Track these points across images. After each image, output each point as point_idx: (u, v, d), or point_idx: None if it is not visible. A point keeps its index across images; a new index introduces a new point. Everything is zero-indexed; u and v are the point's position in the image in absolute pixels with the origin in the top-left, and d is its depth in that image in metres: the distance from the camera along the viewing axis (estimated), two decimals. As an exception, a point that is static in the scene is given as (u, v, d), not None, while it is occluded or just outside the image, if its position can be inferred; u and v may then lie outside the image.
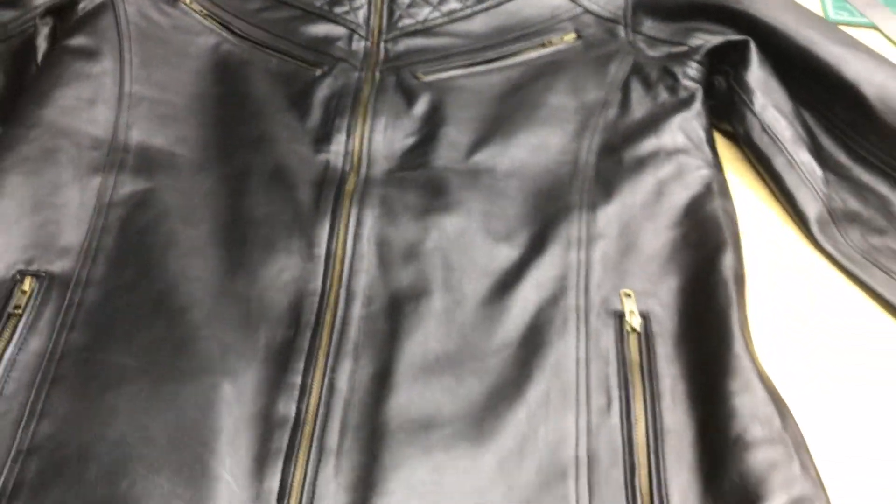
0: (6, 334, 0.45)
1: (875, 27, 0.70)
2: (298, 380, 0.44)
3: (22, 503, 0.39)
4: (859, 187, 0.55)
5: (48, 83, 0.56)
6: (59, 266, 0.48)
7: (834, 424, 0.47)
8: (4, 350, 0.44)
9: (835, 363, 0.50)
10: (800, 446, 0.41)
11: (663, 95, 0.59)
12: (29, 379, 0.43)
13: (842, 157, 0.56)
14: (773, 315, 0.51)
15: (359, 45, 0.64)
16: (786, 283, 0.53)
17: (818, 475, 0.40)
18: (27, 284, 0.47)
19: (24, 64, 0.60)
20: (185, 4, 0.64)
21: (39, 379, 0.43)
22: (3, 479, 0.40)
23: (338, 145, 0.56)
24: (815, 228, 0.54)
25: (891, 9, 0.72)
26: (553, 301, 0.48)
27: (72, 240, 0.49)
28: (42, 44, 0.61)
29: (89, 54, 0.58)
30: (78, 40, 0.59)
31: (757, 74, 0.58)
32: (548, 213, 0.52)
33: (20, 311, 0.46)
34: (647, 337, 0.46)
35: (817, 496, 0.39)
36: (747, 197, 0.57)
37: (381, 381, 0.44)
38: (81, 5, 0.61)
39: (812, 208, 0.55)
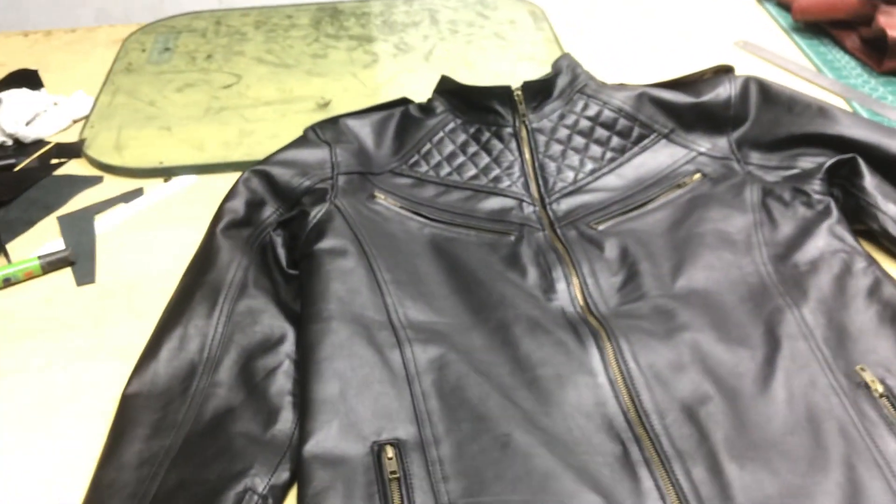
0: (396, 496, 0.51)
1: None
2: (652, 484, 0.52)
3: None
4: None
5: (322, 281, 0.65)
6: (403, 432, 0.55)
7: None
8: (400, 509, 0.51)
9: None
10: None
11: (801, 210, 0.72)
12: (437, 529, 0.50)
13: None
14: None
15: (529, 209, 0.75)
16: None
17: None
18: (390, 452, 0.54)
19: (269, 269, 0.69)
20: (382, 200, 0.74)
21: (446, 527, 0.50)
22: None
23: (562, 293, 0.67)
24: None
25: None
26: (811, 385, 0.58)
27: (402, 408, 0.57)
28: (282, 252, 0.70)
29: (340, 253, 0.67)
30: (326, 243, 0.68)
31: (871, 181, 0.72)
32: (764, 316, 0.63)
33: (397, 474, 0.52)
34: (894, 398, 0.57)
35: None
36: None
37: (716, 475, 0.52)
38: (312, 214, 0.71)
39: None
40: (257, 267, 0.68)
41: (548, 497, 0.51)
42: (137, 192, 0.83)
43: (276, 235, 0.71)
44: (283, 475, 0.54)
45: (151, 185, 0.84)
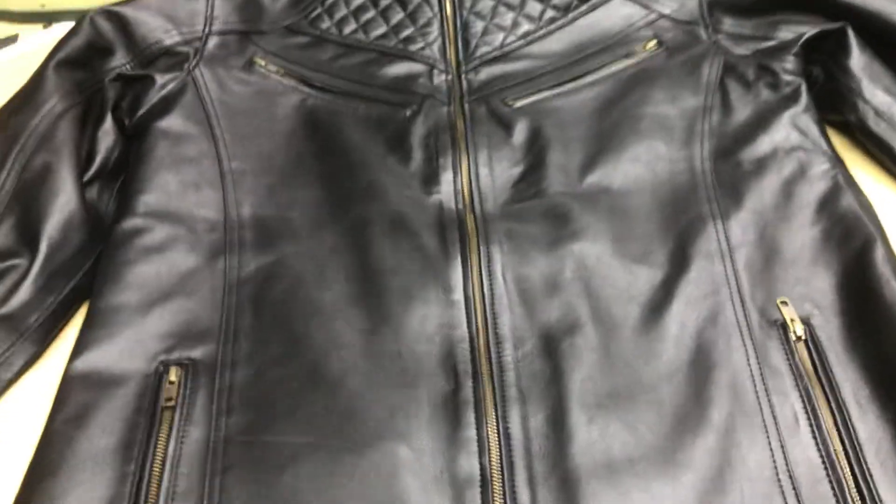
0: (164, 429, 0.43)
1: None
2: (473, 433, 0.43)
3: None
4: None
5: (149, 168, 0.55)
6: (200, 351, 0.47)
7: None
8: (167, 445, 0.43)
9: None
10: None
11: (765, 93, 0.58)
12: (199, 473, 0.42)
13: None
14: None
15: (440, 78, 0.63)
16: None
17: None
18: (173, 374, 0.46)
19: (87, 125, 0.59)
20: (262, 67, 0.63)
21: (209, 471, 0.42)
22: None
23: (446, 185, 0.55)
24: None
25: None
26: (711, 319, 0.46)
27: (208, 324, 0.48)
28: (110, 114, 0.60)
29: (183, 137, 0.57)
30: (168, 122, 0.58)
31: (859, 60, 0.57)
32: (679, 227, 0.51)
33: (172, 402, 0.44)
34: (814, 343, 0.45)
35: None
36: (869, 185, 0.55)
37: (557, 426, 0.42)
38: (160, 82, 0.60)
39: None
40: (74, 118, 0.57)
41: (336, 443, 0.42)
42: (12, 39, 0.75)
43: (112, 88, 0.60)
44: None
45: (28, 32, 0.76)
